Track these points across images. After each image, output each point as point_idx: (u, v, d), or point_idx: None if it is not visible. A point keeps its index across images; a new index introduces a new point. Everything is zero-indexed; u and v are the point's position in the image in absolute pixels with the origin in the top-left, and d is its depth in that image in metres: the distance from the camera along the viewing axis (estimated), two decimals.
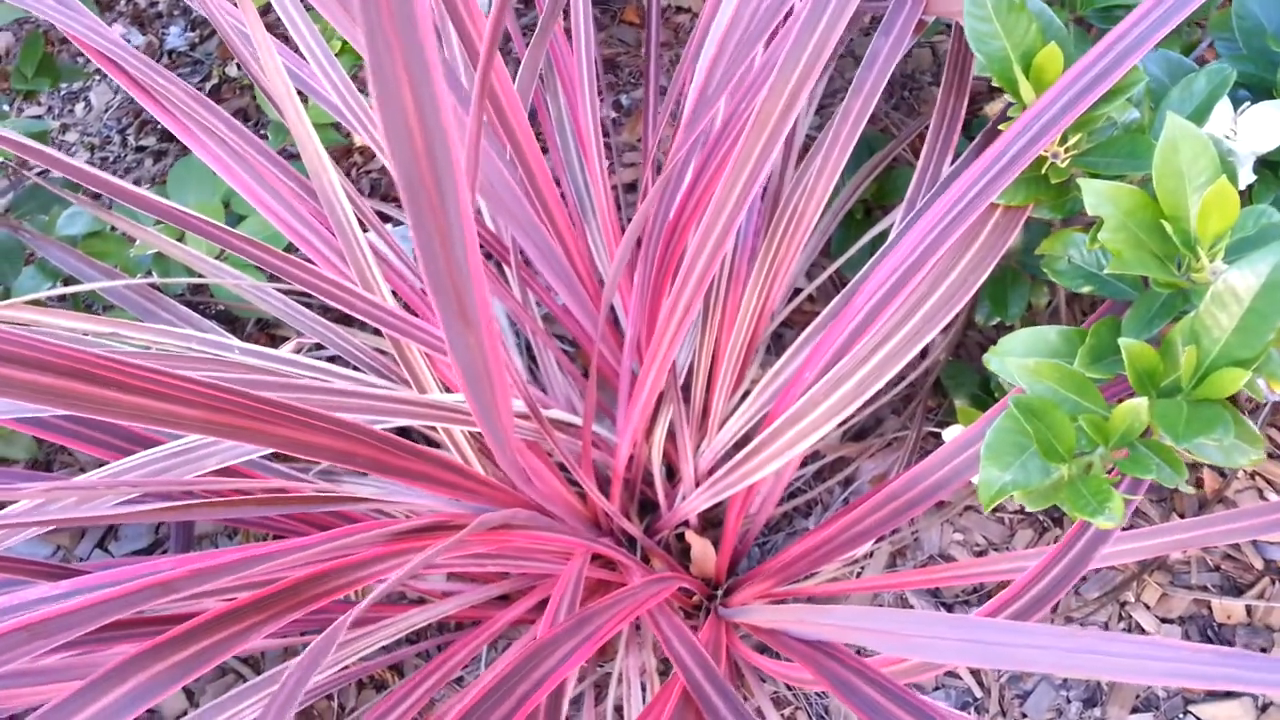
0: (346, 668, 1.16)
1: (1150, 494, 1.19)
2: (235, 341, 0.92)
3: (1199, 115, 0.67)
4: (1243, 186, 0.72)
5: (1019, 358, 0.65)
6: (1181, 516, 1.17)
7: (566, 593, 0.80)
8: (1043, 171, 0.67)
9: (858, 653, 0.76)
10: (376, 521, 0.77)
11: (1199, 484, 1.18)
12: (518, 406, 0.92)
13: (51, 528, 0.79)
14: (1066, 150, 0.67)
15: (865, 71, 0.84)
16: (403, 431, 1.19)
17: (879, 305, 0.72)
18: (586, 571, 1.02)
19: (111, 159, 1.64)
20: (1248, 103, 0.70)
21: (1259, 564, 1.13)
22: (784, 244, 0.89)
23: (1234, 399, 0.60)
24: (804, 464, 1.23)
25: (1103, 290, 0.68)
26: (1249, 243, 0.58)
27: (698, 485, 0.98)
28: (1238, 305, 0.56)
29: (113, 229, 1.12)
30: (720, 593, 1.08)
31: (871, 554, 1.19)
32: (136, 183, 1.58)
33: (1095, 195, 0.61)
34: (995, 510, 1.21)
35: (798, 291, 1.17)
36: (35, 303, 1.07)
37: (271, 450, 0.65)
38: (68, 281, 1.05)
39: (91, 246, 1.10)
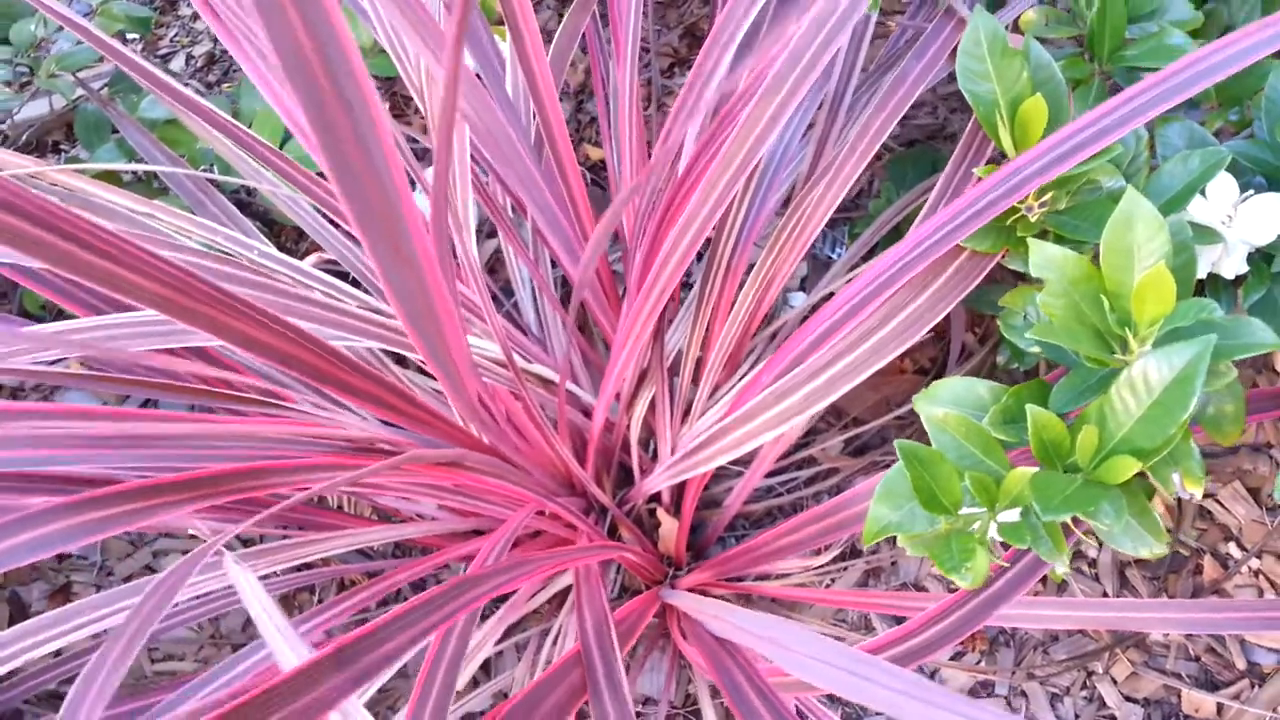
0: (327, 563, 1.23)
1: (1144, 572, 1.15)
2: (261, 245, 0.97)
3: (1185, 194, 0.64)
4: (1232, 275, 0.69)
5: (942, 406, 0.64)
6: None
7: (500, 543, 0.83)
8: (1009, 223, 0.66)
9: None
10: (311, 430, 0.81)
11: (1198, 570, 1.14)
12: (498, 353, 0.95)
13: None
14: (1040, 206, 0.65)
15: (890, 93, 0.83)
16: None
17: (831, 329, 0.72)
18: (555, 530, 1.06)
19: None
20: (1251, 191, 0.67)
21: (1241, 664, 1.09)
22: (785, 250, 0.89)
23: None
24: (799, 468, 1.23)
25: (1050, 354, 0.66)
26: (1181, 334, 0.56)
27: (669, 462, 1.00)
28: (1147, 395, 0.55)
29: None
30: (680, 573, 1.10)
31: (846, 568, 1.19)
32: None
33: (1041, 257, 0.60)
34: None
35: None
36: (106, 174, 1.15)
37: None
38: (133, 160, 1.12)
39: (167, 133, 1.17)
